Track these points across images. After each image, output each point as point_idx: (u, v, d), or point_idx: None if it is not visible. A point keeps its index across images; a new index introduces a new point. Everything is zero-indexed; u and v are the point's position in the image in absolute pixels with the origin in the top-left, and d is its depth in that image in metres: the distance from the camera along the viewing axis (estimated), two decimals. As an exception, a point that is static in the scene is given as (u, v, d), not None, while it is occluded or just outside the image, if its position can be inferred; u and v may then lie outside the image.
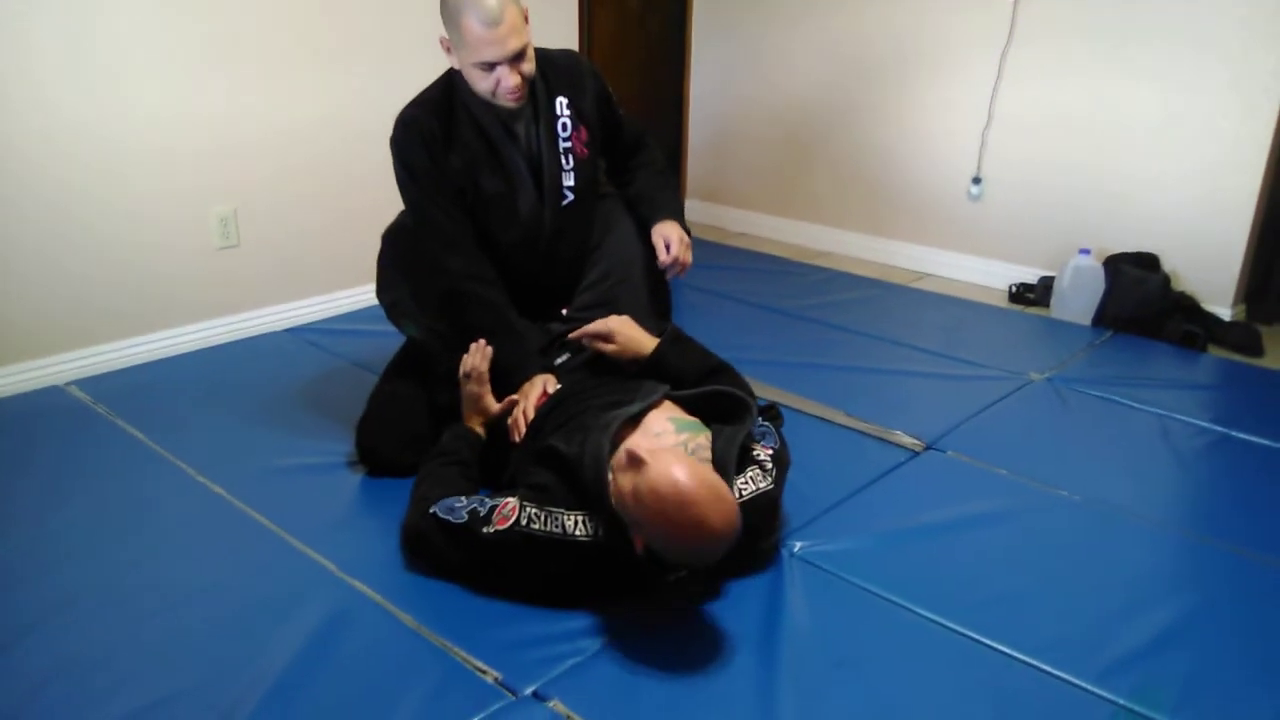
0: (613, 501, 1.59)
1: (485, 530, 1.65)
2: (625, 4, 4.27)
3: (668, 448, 1.63)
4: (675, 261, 2.15)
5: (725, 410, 1.85)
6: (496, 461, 1.96)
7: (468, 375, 2.02)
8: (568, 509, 1.65)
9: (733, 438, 1.74)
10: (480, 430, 2.03)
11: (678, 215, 2.23)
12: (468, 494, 1.77)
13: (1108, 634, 1.67)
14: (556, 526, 1.63)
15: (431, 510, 1.74)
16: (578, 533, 1.62)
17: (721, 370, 1.99)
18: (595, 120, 2.15)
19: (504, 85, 1.92)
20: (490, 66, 1.90)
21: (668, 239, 2.16)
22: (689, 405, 1.85)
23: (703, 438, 1.75)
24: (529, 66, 1.95)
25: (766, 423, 1.91)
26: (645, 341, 1.99)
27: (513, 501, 1.67)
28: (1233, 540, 1.98)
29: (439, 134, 2.02)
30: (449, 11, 1.89)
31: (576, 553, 1.63)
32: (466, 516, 1.68)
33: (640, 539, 1.57)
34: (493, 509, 1.67)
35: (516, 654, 1.59)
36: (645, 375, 1.95)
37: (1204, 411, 2.56)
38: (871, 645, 1.64)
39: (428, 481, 1.86)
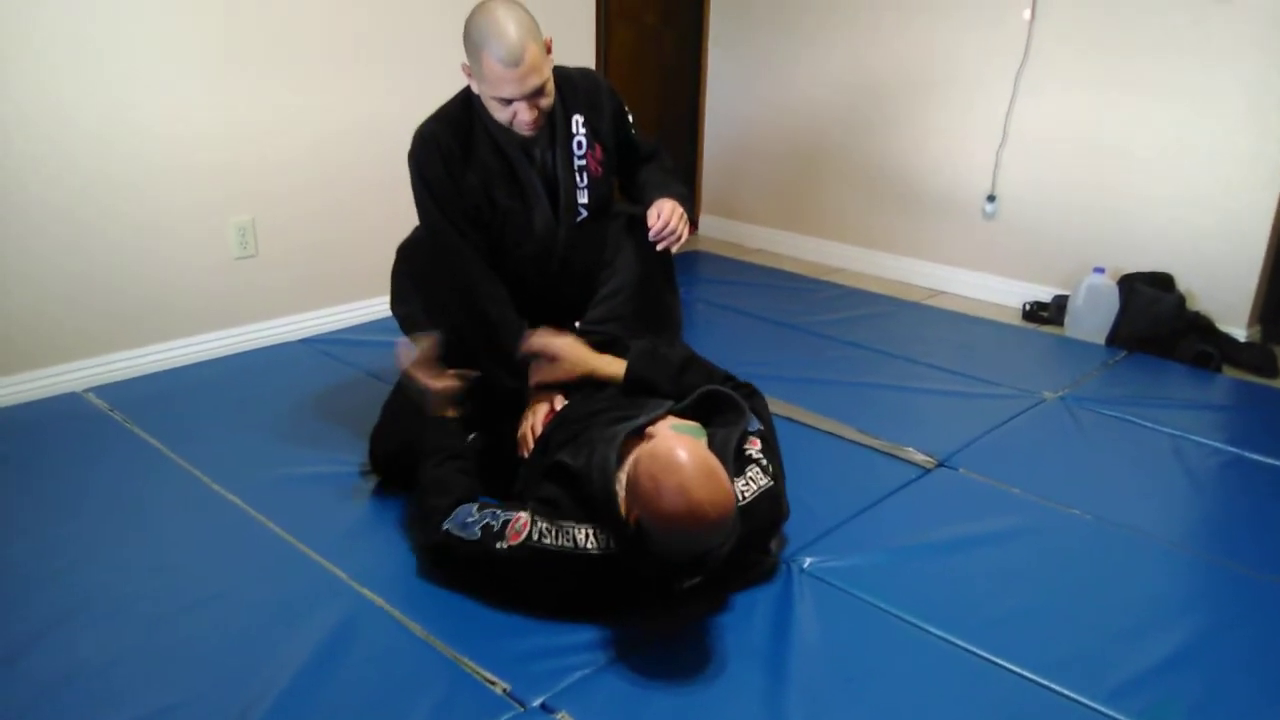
0: (621, 512, 1.60)
1: (499, 546, 1.66)
2: (642, 22, 4.30)
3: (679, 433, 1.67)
4: (666, 227, 2.10)
5: (717, 407, 1.89)
6: (506, 473, 1.98)
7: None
8: (577, 522, 1.66)
9: (727, 439, 1.77)
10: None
11: (678, 199, 2.18)
12: (471, 496, 1.78)
13: (1118, 654, 1.67)
14: (568, 540, 1.64)
15: (445, 527, 1.74)
16: (589, 545, 1.63)
17: (689, 365, 2.01)
18: (611, 139, 2.17)
19: (520, 119, 1.95)
20: (508, 101, 1.92)
21: (660, 208, 2.12)
22: (687, 411, 1.87)
23: (703, 441, 1.78)
24: (547, 101, 1.97)
25: (750, 410, 1.92)
26: (595, 361, 2.01)
27: (524, 516, 1.68)
28: (1245, 561, 1.97)
29: (457, 150, 2.03)
30: (471, 42, 1.91)
31: (588, 565, 1.64)
32: (480, 533, 1.69)
33: (634, 514, 1.56)
34: (505, 524, 1.68)
35: (525, 665, 1.60)
36: (628, 392, 1.96)
37: (1218, 432, 2.55)
38: (881, 662, 1.64)
39: (431, 491, 1.85)
